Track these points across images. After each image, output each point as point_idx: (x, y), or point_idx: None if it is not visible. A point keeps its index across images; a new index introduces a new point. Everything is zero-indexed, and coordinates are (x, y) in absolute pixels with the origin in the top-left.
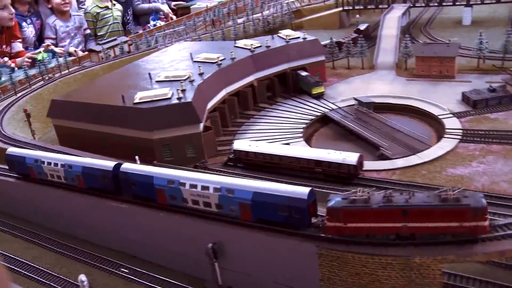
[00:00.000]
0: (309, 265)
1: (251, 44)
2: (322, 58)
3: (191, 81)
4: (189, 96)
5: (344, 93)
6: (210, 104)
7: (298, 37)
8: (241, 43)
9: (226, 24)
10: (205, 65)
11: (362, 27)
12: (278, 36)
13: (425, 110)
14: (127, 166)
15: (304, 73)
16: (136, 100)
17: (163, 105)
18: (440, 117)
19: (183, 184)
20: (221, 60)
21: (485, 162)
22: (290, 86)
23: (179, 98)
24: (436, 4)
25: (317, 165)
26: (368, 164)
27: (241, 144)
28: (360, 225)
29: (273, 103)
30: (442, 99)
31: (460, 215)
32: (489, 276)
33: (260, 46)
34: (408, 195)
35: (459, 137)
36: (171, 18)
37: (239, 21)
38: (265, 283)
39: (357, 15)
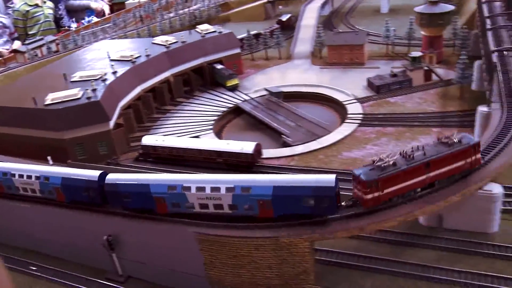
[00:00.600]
0: (193, 250)
1: (167, 41)
2: (238, 50)
3: (104, 80)
4: (99, 95)
5: (260, 83)
6: (123, 102)
7: (214, 31)
8: (158, 39)
9: (156, 19)
10: (120, 63)
11: (284, 18)
12: (195, 31)
13: (332, 97)
14: (114, 176)
15: (219, 66)
16: (47, 102)
17: (72, 105)
18: (344, 103)
19: (188, 189)
20: (135, 58)
21: (379, 144)
22: (207, 79)
23: (88, 98)
24: None
25: (218, 156)
26: (271, 152)
27: (148, 139)
28: (393, 189)
29: (190, 97)
30: (351, 85)
31: (465, 154)
32: (362, 250)
33: (176, 42)
34: (420, 150)
35: (358, 121)
36: (106, 14)
37: (167, 16)
38: (160, 270)
39: (280, 6)
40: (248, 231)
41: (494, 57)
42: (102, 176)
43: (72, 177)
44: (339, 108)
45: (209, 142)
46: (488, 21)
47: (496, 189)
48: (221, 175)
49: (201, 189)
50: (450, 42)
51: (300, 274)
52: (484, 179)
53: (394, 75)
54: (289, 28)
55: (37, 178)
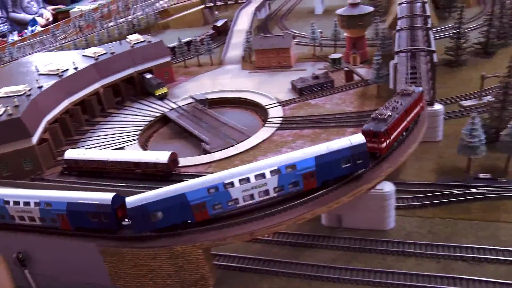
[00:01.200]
0: (98, 262)
1: (95, 52)
2: (168, 59)
3: (28, 96)
4: (20, 112)
5: (190, 91)
6: (49, 116)
7: (144, 41)
8: (87, 51)
9: (96, 29)
10: (47, 77)
11: (220, 23)
12: (125, 41)
13: (256, 101)
14: (135, 198)
15: (148, 76)
16: None
17: None
18: (267, 107)
19: (231, 184)
20: (63, 71)
21: (294, 147)
22: (138, 89)
23: (9, 115)
24: None
25: (136, 167)
26: (190, 160)
27: (71, 153)
28: (394, 135)
29: (121, 107)
30: (276, 88)
31: (419, 99)
32: (264, 253)
33: (105, 53)
34: (396, 102)
35: (277, 125)
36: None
37: (106, 26)
38: (72, 283)
39: (216, 12)
40: (144, 242)
41: (396, 58)
42: (116, 200)
43: (80, 201)
44: (262, 112)
45: (128, 154)
46: (399, 22)
47: (388, 187)
48: (258, 162)
49: (245, 180)
50: (374, 42)
51: (198, 280)
52: (374, 180)
53: (316, 77)
54: (224, 33)
55: (37, 204)
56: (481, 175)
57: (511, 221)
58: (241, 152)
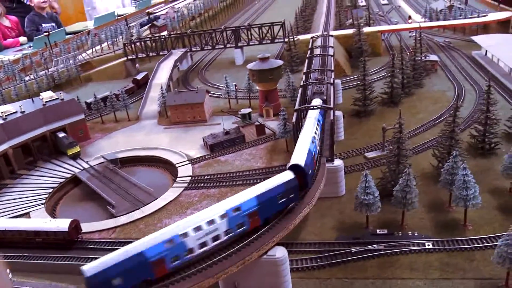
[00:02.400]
0: None
1: (3, 112)
2: (82, 116)
3: None
4: None
5: (105, 149)
6: None
7: (57, 98)
8: None
9: (16, 82)
10: None
11: (140, 76)
12: (38, 98)
13: (168, 159)
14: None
15: (61, 135)
16: None
17: None
18: (177, 165)
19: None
20: None
21: (199, 208)
22: (51, 148)
23: None
24: (210, 47)
25: (36, 235)
26: (95, 225)
27: None
28: None
29: (32, 168)
30: (189, 145)
31: None
32: None
33: (15, 112)
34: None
35: (185, 184)
36: None
37: (27, 78)
38: None
39: (137, 65)
40: None
41: (295, 116)
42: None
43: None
44: (173, 171)
45: (28, 222)
46: (303, 77)
47: (280, 252)
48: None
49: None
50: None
51: None
52: (264, 247)
53: (227, 133)
54: (145, 86)
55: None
56: (378, 231)
57: (405, 277)
58: (146, 215)
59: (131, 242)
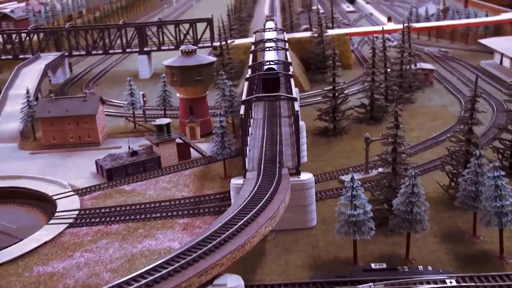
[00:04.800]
0: None
1: None
2: None
3: None
4: None
5: None
6: None
7: None
8: None
9: None
10: None
11: None
12: None
13: (39, 191)
14: None
15: None
16: None
17: None
18: (55, 197)
19: None
20: None
21: (94, 249)
22: None
23: None
24: (101, 52)
25: None
26: None
27: None
28: None
29: None
30: (74, 172)
31: None
32: None
33: None
34: None
35: (70, 220)
36: None
37: None
38: None
39: None
40: None
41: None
42: None
43: None
44: (47, 206)
45: None
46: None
47: (234, 282)
48: None
49: None
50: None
51: None
52: (210, 270)
53: (134, 153)
54: None
55: None
56: (374, 265)
57: None
58: (5, 262)
59: None
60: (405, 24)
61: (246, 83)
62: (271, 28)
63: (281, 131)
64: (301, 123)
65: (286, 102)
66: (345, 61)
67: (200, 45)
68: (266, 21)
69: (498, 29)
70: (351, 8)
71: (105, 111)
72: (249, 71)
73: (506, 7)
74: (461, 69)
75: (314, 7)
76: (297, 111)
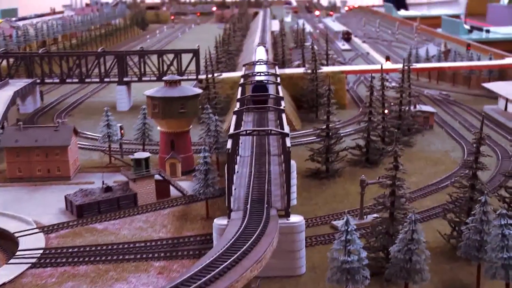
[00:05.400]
0: None
1: None
2: None
3: None
4: None
5: None
6: None
7: None
8: None
9: None
10: None
11: None
12: None
13: None
14: None
15: None
16: None
17: None
18: (17, 234)
19: None
20: None
21: None
22: None
23: None
24: (76, 80)
25: None
26: None
27: None
28: None
29: None
30: (40, 208)
31: None
32: None
33: None
34: None
35: (33, 260)
36: None
37: None
38: None
39: None
40: None
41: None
42: None
43: None
44: (8, 244)
45: None
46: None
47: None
48: None
49: None
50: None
51: None
52: None
53: (107, 189)
54: None
55: None
56: None
57: None
58: None
59: None
60: (405, 63)
61: (234, 117)
62: (261, 61)
63: (269, 169)
64: (292, 162)
65: (276, 140)
66: (340, 100)
67: (185, 77)
68: (258, 46)
69: (502, 74)
70: (347, 46)
71: (78, 144)
72: (238, 105)
73: (510, 53)
74: (463, 114)
75: (307, 43)
76: (289, 147)
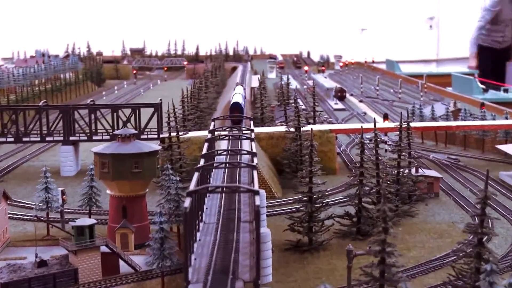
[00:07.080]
0: None
1: None
2: None
3: None
4: None
5: None
6: None
7: None
8: None
9: None
10: None
11: None
12: None
13: None
14: None
15: None
16: None
17: None
18: None
19: None
20: None
21: None
22: None
23: None
24: (11, 139)
25: None
26: None
27: None
28: None
29: None
30: None
31: None
32: None
33: None
34: None
35: None
36: None
37: None
38: None
39: None
40: None
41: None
42: None
43: None
44: None
45: None
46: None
47: None
48: None
49: None
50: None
51: None
52: None
53: (42, 264)
54: None
55: None
56: None
57: None
58: None
59: None
60: (404, 120)
61: (197, 174)
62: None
63: (238, 237)
64: (266, 231)
65: (248, 204)
66: (329, 164)
67: (144, 136)
68: (236, 86)
69: None
70: (340, 106)
71: (10, 213)
72: (202, 161)
73: None
74: (475, 181)
75: (291, 101)
76: (258, 205)
